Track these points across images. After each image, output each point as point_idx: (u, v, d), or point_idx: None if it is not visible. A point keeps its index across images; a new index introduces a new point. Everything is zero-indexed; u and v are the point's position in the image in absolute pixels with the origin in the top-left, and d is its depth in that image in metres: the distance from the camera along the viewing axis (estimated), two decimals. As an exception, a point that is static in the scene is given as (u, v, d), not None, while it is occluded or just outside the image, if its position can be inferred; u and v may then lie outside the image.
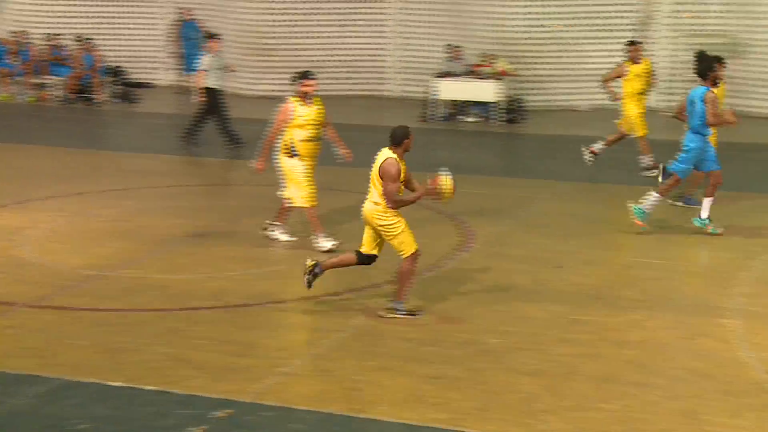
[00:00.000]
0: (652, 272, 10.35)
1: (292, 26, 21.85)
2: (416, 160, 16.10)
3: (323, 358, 8.23)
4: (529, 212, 12.94)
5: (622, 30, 19.75)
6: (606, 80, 15.15)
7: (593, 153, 15.07)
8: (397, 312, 9.02)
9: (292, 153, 10.92)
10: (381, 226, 8.86)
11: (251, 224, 11.95)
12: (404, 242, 8.86)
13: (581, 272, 10.44)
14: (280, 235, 11.41)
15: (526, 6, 19.95)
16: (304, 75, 10.96)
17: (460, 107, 19.80)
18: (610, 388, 7.67)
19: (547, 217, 12.74)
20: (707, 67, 11.57)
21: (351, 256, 9.18)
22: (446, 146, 17.78)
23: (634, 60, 14.86)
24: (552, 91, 20.29)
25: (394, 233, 8.84)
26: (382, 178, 8.72)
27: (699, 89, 11.49)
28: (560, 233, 11.87)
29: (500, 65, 19.12)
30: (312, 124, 10.91)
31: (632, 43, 15.21)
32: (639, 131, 14.86)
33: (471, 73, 19.44)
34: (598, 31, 19.91)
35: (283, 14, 21.80)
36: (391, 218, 8.82)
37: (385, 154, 8.81)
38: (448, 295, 9.74)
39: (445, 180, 8.85)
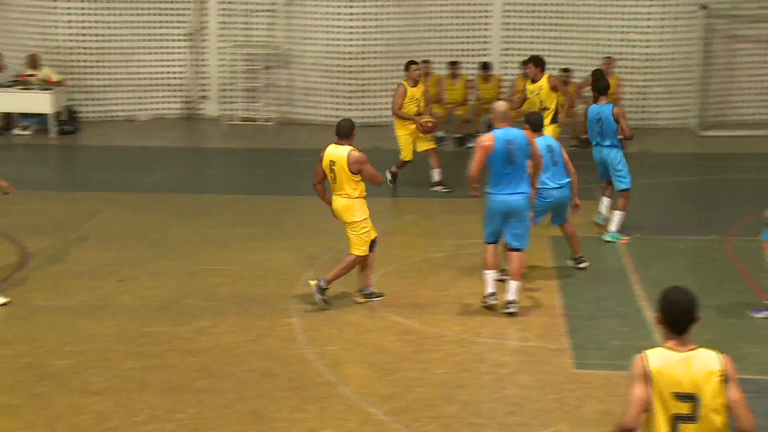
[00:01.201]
0: (218, 278, 10.50)
1: None
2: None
3: None
4: (90, 226, 12.54)
5: (176, 40, 19.86)
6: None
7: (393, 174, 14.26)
8: (367, 297, 9.70)
9: None
10: (352, 221, 9.42)
11: None
12: (362, 243, 9.49)
13: (147, 284, 10.32)
14: None
15: (74, 14, 19.32)
16: None
17: (10, 119, 18.68)
18: (181, 397, 7.66)
19: (110, 229, 12.43)
20: (608, 83, 12.05)
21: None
22: (-2, 161, 16.71)
23: (416, 81, 13.79)
24: (108, 101, 19.87)
25: (360, 231, 9.46)
26: (356, 171, 9.24)
27: (606, 106, 11.57)
28: (124, 245, 11.65)
29: (48, 74, 18.33)
30: None
31: (413, 63, 14.08)
32: (404, 155, 14.04)
33: (18, 83, 18.41)
34: (153, 40, 19.83)
35: None
36: (362, 215, 9.41)
37: (343, 148, 9.32)
38: (3, 319, 9.14)
39: None
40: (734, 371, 4.89)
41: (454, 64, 17.88)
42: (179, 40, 19.90)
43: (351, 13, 18.90)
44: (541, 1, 19.22)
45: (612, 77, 17.29)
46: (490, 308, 9.41)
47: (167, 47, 19.93)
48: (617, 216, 11.65)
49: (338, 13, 18.94)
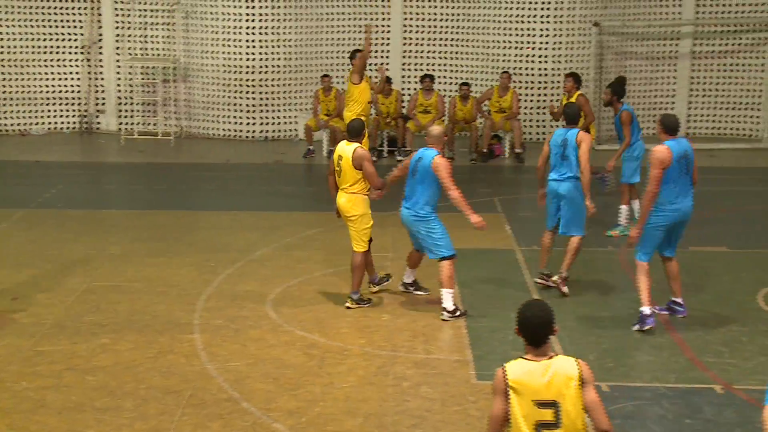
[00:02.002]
0: (118, 295, 10.31)
1: None
2: None
3: None
4: (-18, 243, 12.18)
5: (71, 53, 19.48)
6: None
7: None
8: (357, 303, 9.93)
9: None
10: (353, 215, 9.78)
11: None
12: (363, 238, 9.84)
13: (42, 302, 10.07)
14: None
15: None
16: None
17: None
18: (79, 417, 7.49)
19: (3, 247, 12.09)
20: (625, 90, 13.14)
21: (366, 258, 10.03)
22: None
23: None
24: (0, 115, 19.36)
25: (362, 226, 9.83)
26: (359, 167, 9.64)
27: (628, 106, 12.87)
28: (17, 263, 11.35)
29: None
30: None
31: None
32: None
33: None
34: (46, 53, 19.41)
35: None
36: (364, 210, 9.78)
37: (351, 146, 9.74)
38: None
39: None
40: (590, 375, 5.04)
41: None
42: (74, 53, 19.53)
43: (250, 27, 18.83)
44: (439, 17, 19.47)
45: (509, 92, 17.64)
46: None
47: (62, 60, 19.54)
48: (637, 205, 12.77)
49: (237, 27, 18.85)
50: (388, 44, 19.62)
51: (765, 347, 8.98)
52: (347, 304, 9.98)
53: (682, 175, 9.20)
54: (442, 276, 9.68)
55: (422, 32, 19.59)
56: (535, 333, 5.03)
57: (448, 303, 9.67)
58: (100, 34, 19.57)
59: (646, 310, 9.32)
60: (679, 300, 9.69)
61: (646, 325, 9.27)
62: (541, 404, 4.94)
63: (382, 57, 19.58)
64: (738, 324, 9.56)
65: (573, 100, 14.26)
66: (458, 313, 9.71)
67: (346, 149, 9.84)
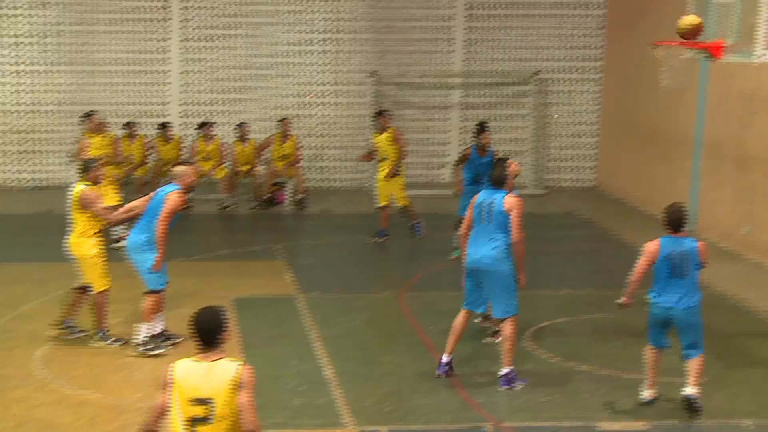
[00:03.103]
0: None
1: None
2: None
3: None
4: None
5: None
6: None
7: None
8: (106, 341, 9.87)
9: None
10: (80, 257, 9.69)
11: None
12: (97, 278, 9.73)
13: None
14: None
15: None
16: None
17: None
18: None
19: None
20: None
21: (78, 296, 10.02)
22: None
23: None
24: None
25: (90, 266, 9.71)
26: (85, 209, 9.59)
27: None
28: None
29: None
30: None
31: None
32: None
33: None
34: None
35: None
36: (90, 251, 9.69)
37: (77, 188, 9.67)
38: None
39: None
40: (249, 379, 5.51)
41: (130, 124, 17.53)
42: None
43: (17, 71, 18.03)
44: (219, 64, 19.36)
45: (290, 138, 17.71)
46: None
47: None
48: None
49: (3, 70, 18.00)
50: (167, 90, 19.28)
51: (530, 385, 9.23)
52: (94, 344, 9.94)
53: (480, 223, 9.08)
54: (142, 308, 9.80)
55: (202, 79, 19.39)
56: (202, 336, 5.51)
57: (140, 336, 9.76)
58: None
59: (443, 357, 9.37)
60: (503, 370, 9.08)
61: (438, 371, 9.36)
62: (197, 401, 5.39)
63: (162, 103, 19.22)
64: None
65: (389, 134, 14.52)
66: (150, 346, 9.75)
67: (73, 189, 9.84)
